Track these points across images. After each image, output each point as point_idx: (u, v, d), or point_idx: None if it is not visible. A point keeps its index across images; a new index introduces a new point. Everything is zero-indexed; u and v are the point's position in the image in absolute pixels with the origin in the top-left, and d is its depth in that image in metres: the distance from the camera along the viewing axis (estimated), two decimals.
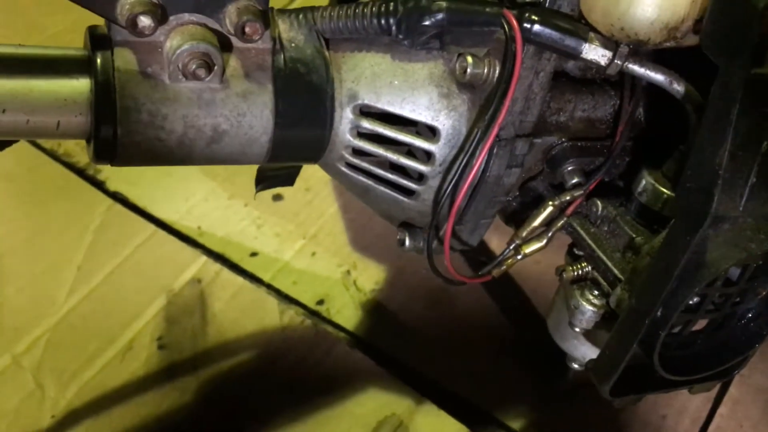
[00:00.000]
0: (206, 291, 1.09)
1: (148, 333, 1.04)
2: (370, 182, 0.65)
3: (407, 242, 0.70)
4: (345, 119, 0.61)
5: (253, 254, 1.15)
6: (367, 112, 0.62)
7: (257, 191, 0.70)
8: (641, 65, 0.60)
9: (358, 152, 0.64)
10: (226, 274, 1.11)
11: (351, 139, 0.62)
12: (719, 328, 0.67)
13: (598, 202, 0.67)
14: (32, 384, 1.00)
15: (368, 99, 0.61)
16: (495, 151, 0.62)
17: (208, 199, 1.21)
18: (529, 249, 0.68)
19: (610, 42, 0.59)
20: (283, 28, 0.60)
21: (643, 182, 0.64)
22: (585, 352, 0.76)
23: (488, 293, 1.14)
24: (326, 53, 0.61)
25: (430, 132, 0.63)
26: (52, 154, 1.24)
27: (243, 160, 0.62)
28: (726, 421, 0.99)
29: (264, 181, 0.70)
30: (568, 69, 0.68)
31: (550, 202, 0.67)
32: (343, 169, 0.64)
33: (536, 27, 0.57)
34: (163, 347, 1.04)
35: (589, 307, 0.69)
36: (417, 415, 0.96)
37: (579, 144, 0.68)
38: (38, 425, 0.96)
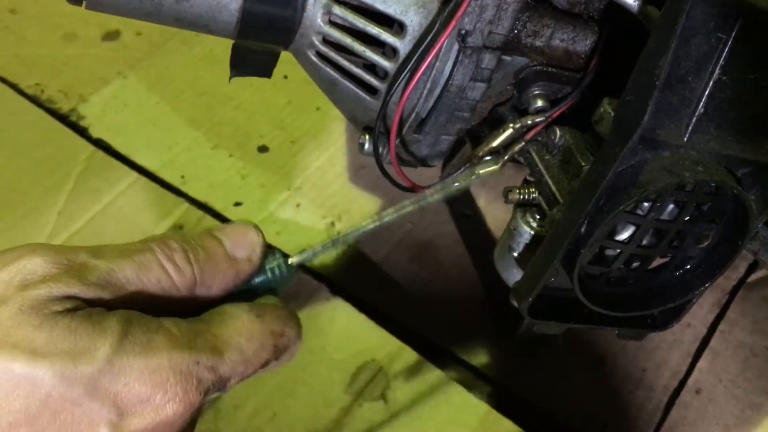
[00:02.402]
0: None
1: None
2: (337, 76, 0.64)
3: (366, 146, 0.68)
4: (317, 2, 0.60)
5: (237, 204, 1.14)
6: (339, 0, 0.61)
7: (231, 76, 0.69)
8: None
9: (328, 42, 0.63)
10: (209, 221, 1.10)
11: (322, 25, 0.61)
12: (655, 271, 0.65)
13: (557, 130, 0.65)
14: None
15: None
16: (459, 58, 0.61)
17: (191, 149, 1.20)
18: (482, 170, 0.67)
19: None
20: None
21: (601, 110, 0.62)
22: None
23: (470, 251, 1.14)
24: None
25: (399, 27, 0.61)
26: (35, 100, 1.22)
27: (213, 27, 0.61)
28: (705, 375, 1.00)
29: (239, 65, 0.69)
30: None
31: (511, 125, 0.66)
32: (313, 58, 0.63)
33: None
34: None
35: (527, 229, 0.68)
36: (396, 361, 0.96)
37: (549, 70, 0.67)
38: None
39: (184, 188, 1.15)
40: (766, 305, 1.07)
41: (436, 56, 0.60)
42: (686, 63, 0.52)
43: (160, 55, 1.29)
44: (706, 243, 0.62)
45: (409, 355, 0.97)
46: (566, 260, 0.59)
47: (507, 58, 0.64)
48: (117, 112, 1.22)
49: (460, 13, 0.58)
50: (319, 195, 1.17)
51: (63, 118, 1.20)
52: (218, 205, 1.13)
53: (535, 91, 0.66)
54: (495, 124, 0.71)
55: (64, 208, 1.11)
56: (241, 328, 0.52)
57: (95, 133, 1.19)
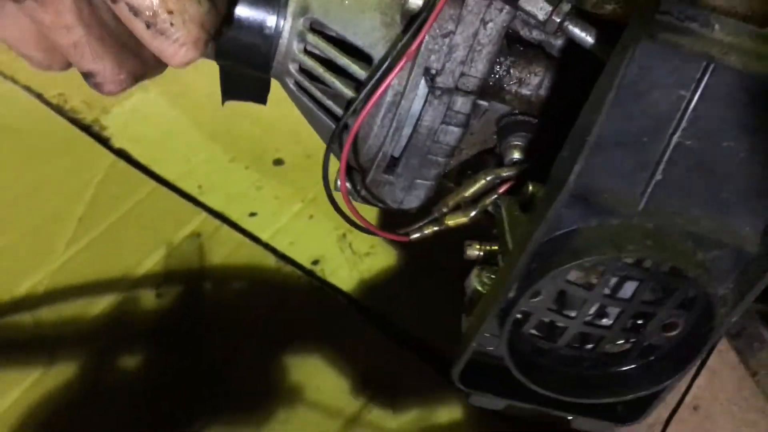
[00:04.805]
0: (205, 246, 1.12)
1: (147, 282, 1.07)
2: (312, 105, 0.62)
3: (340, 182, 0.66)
4: (293, 30, 0.59)
5: (252, 214, 1.18)
6: (315, 29, 0.60)
7: (223, 101, 0.71)
8: (581, 28, 0.55)
9: (303, 70, 0.61)
10: (226, 230, 1.13)
11: (297, 53, 0.60)
12: (616, 356, 0.56)
13: (530, 186, 0.57)
14: (30, 329, 1.03)
15: (318, 14, 0.59)
16: (428, 98, 0.58)
17: (209, 161, 1.23)
18: (451, 221, 0.62)
19: None
20: None
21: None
22: None
23: None
24: None
25: (367, 60, 0.59)
26: (59, 110, 1.26)
27: None
28: (703, 392, 1.02)
29: (231, 90, 0.70)
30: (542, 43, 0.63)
31: (483, 176, 0.61)
32: (291, 86, 0.63)
33: None
34: (161, 296, 1.06)
35: (479, 289, 0.60)
36: (404, 372, 0.99)
37: (532, 120, 0.62)
38: (36, 362, 0.98)
39: (201, 198, 1.18)
40: (763, 326, 1.10)
41: (402, 92, 0.57)
42: (642, 121, 0.45)
43: (180, 71, 1.33)
44: (674, 332, 0.53)
45: (416, 366, 1.00)
46: (501, 325, 0.52)
47: (483, 103, 0.61)
48: (138, 123, 1.26)
49: (414, 45, 0.55)
50: (332, 207, 1.20)
51: (86, 128, 1.24)
52: (234, 215, 1.17)
53: (514, 141, 0.61)
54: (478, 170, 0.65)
55: (85, 214, 1.14)
56: None
57: (116, 143, 1.23)
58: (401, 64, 0.55)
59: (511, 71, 0.61)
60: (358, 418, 0.97)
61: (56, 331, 1.03)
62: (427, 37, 0.56)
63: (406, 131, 0.59)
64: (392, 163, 0.62)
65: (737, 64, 0.44)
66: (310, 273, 1.12)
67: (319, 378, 0.99)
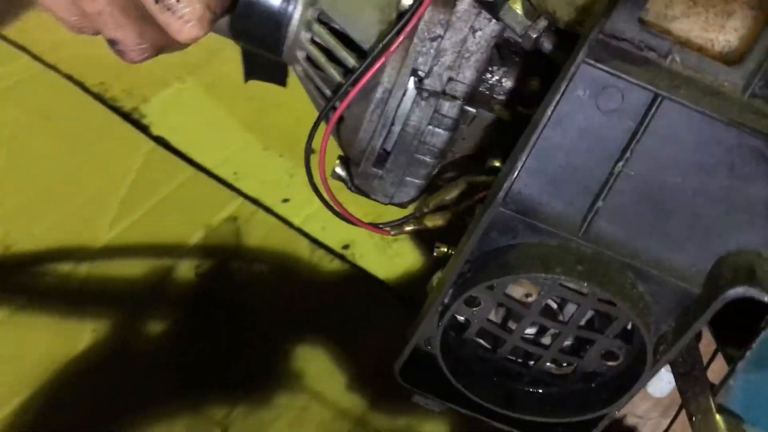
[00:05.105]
0: (242, 229, 1.17)
1: (186, 261, 1.12)
2: (315, 93, 0.64)
3: (337, 169, 0.67)
4: (302, 18, 0.61)
5: (285, 200, 1.23)
6: (322, 20, 0.62)
7: (245, 80, 0.72)
8: (556, 46, 0.55)
9: (310, 59, 0.63)
10: (261, 215, 1.18)
11: (304, 42, 0.61)
12: (557, 375, 0.55)
13: None
14: (76, 299, 1.08)
15: (326, 6, 0.60)
16: (416, 99, 0.59)
17: (244, 149, 1.28)
18: (430, 222, 0.63)
19: (533, 12, 0.55)
20: None
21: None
22: None
23: None
24: None
25: (361, 54, 0.60)
26: (99, 98, 1.31)
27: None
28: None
29: (252, 72, 0.73)
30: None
31: (463, 181, 0.61)
32: (299, 73, 0.64)
33: None
34: (200, 275, 1.11)
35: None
36: None
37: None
38: (78, 338, 1.03)
39: (237, 184, 1.23)
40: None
41: (390, 90, 0.59)
42: (586, 145, 0.44)
43: (216, 62, 1.38)
44: (615, 362, 0.51)
45: None
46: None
47: (471, 110, 0.60)
48: (175, 112, 1.31)
49: (393, 46, 0.56)
50: (359, 195, 1.25)
51: (126, 116, 1.30)
52: (268, 201, 1.22)
53: (497, 149, 0.61)
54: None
55: (126, 197, 1.19)
56: None
57: (155, 130, 1.28)
58: (379, 63, 0.57)
59: (504, 81, 0.62)
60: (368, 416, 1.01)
61: (99, 301, 1.08)
62: (415, 39, 0.57)
63: (396, 128, 0.60)
64: (382, 158, 0.63)
65: (686, 100, 0.42)
66: (341, 257, 1.17)
67: (345, 356, 1.03)
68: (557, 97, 0.42)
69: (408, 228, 0.64)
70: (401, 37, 0.56)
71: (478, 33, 0.58)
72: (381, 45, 0.57)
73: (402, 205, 0.67)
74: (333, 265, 1.15)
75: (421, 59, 0.58)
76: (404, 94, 0.59)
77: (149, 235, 1.15)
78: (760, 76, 0.44)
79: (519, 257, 0.46)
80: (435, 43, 0.58)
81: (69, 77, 1.33)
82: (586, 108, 0.43)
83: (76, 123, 1.28)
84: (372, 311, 1.10)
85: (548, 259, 0.46)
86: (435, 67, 0.59)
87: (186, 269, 1.11)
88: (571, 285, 0.47)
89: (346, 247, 1.18)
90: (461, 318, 0.53)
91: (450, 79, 0.59)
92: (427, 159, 0.63)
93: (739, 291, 0.43)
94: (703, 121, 0.43)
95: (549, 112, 0.43)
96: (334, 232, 1.19)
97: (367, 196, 0.67)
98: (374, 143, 0.62)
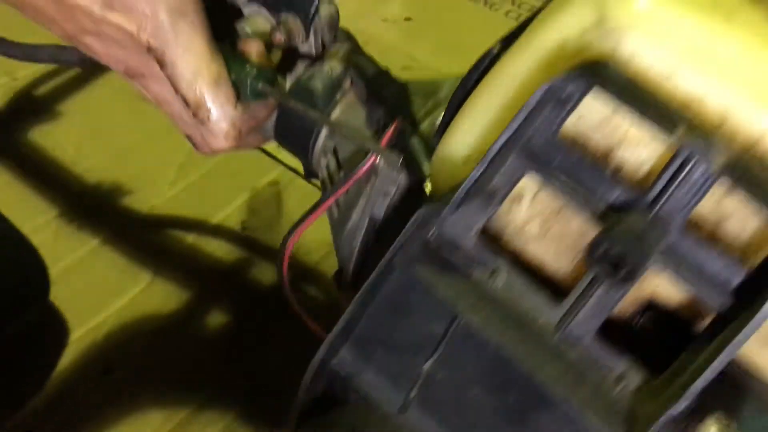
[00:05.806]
0: (283, 191, 1.35)
1: (234, 217, 1.31)
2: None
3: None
4: (323, 147, 0.64)
5: None
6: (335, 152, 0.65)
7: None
8: None
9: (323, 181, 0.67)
10: (300, 180, 1.36)
11: (323, 166, 0.66)
12: None
13: None
14: (139, 246, 1.27)
15: (337, 141, 0.63)
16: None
17: None
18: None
19: None
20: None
21: None
22: None
23: None
24: None
25: None
26: None
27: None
28: None
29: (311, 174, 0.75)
30: None
31: None
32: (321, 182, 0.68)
33: None
34: (246, 229, 1.30)
35: None
36: None
37: None
38: (138, 281, 1.22)
39: (278, 155, 1.41)
40: None
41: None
42: (404, 331, 0.43)
43: None
44: None
45: None
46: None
47: None
48: None
49: (328, 202, 0.60)
50: None
51: None
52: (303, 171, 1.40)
53: None
54: None
55: (184, 162, 1.38)
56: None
57: None
58: (324, 206, 0.61)
59: None
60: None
61: (158, 254, 1.27)
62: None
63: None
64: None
65: (476, 324, 0.40)
66: None
67: None
68: (372, 279, 0.42)
69: None
70: (329, 201, 0.61)
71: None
72: (328, 192, 0.61)
73: None
74: None
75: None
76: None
77: (202, 195, 1.34)
78: (571, 318, 0.40)
79: (340, 415, 0.45)
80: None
81: None
82: (406, 298, 0.43)
83: (136, 95, 1.47)
84: None
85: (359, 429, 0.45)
86: None
87: (233, 224, 1.30)
88: None
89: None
90: None
91: None
92: None
93: None
94: (489, 351, 0.40)
95: (362, 291, 0.42)
96: None
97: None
98: (346, 267, 0.60)
